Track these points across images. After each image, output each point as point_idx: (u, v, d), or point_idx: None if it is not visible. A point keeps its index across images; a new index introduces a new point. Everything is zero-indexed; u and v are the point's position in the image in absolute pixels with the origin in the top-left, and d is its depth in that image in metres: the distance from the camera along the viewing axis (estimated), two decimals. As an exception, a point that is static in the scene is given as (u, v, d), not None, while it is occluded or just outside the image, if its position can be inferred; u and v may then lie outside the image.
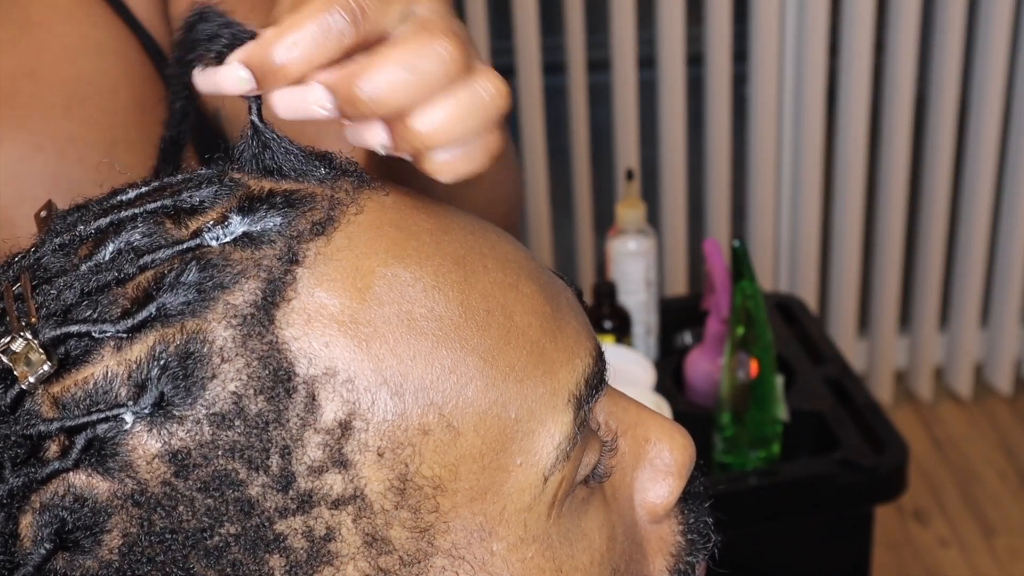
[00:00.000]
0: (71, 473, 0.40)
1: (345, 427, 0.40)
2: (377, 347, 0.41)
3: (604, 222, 1.90)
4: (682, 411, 1.35)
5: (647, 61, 2.24)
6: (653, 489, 0.49)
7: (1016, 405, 2.50)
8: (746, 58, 2.23)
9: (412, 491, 0.41)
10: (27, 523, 0.41)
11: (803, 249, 2.36)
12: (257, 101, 0.44)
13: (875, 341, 2.47)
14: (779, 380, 1.30)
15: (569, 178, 2.32)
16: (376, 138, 0.44)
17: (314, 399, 0.40)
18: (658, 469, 0.49)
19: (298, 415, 0.40)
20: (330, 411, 0.40)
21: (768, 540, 1.33)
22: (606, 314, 1.43)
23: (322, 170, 0.45)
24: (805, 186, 2.30)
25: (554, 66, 2.30)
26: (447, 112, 0.43)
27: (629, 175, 1.47)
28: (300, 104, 0.43)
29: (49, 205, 0.45)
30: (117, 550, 0.40)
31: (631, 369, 1.38)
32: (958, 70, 2.22)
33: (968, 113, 2.30)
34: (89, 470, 0.40)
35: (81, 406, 0.40)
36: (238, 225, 0.42)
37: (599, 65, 2.27)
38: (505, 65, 2.28)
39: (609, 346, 1.42)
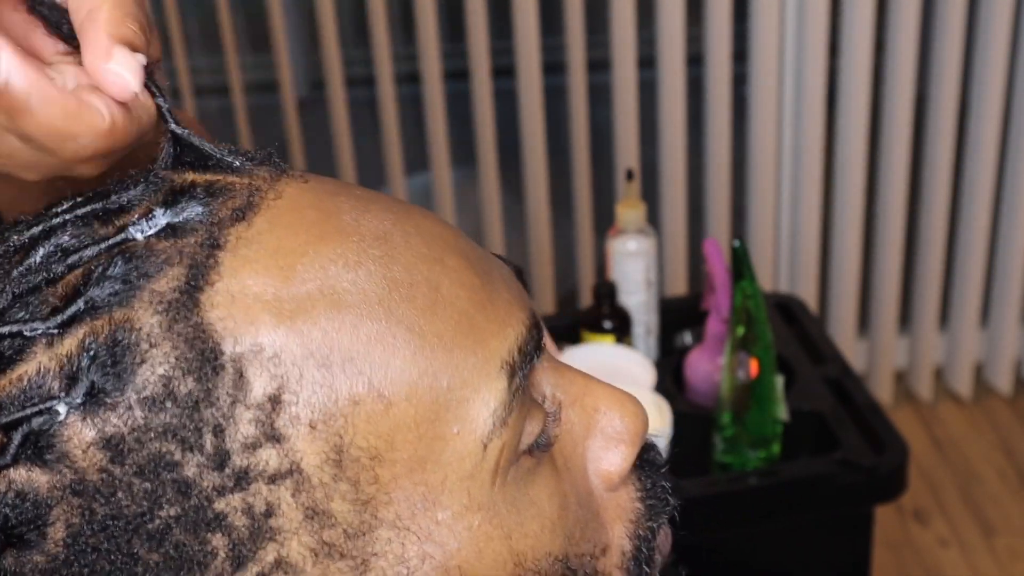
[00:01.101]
0: (10, 469, 0.41)
1: (275, 401, 0.41)
2: (301, 322, 0.42)
3: (604, 222, 1.90)
4: (682, 411, 1.35)
5: (647, 61, 2.24)
6: (606, 457, 0.50)
7: (1016, 405, 2.50)
8: (746, 58, 2.23)
9: (349, 463, 0.42)
10: None
11: (803, 249, 2.36)
12: (167, 106, 0.47)
13: (875, 341, 2.47)
14: (779, 380, 1.30)
15: (569, 178, 2.33)
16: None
17: (242, 375, 0.41)
18: (609, 437, 0.50)
19: (228, 392, 0.41)
20: (259, 386, 0.41)
21: (768, 540, 1.33)
22: (606, 314, 1.43)
23: (240, 161, 0.46)
24: (805, 186, 2.30)
25: (554, 66, 2.30)
26: None
27: (629, 175, 1.47)
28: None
29: None
30: (62, 542, 0.41)
31: (631, 369, 1.38)
32: (958, 70, 2.22)
33: (968, 113, 2.30)
34: (28, 464, 0.41)
35: (16, 403, 0.41)
36: (161, 217, 0.43)
37: (599, 65, 2.27)
38: (505, 65, 2.28)
39: (609, 346, 1.42)
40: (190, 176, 0.45)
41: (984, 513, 2.23)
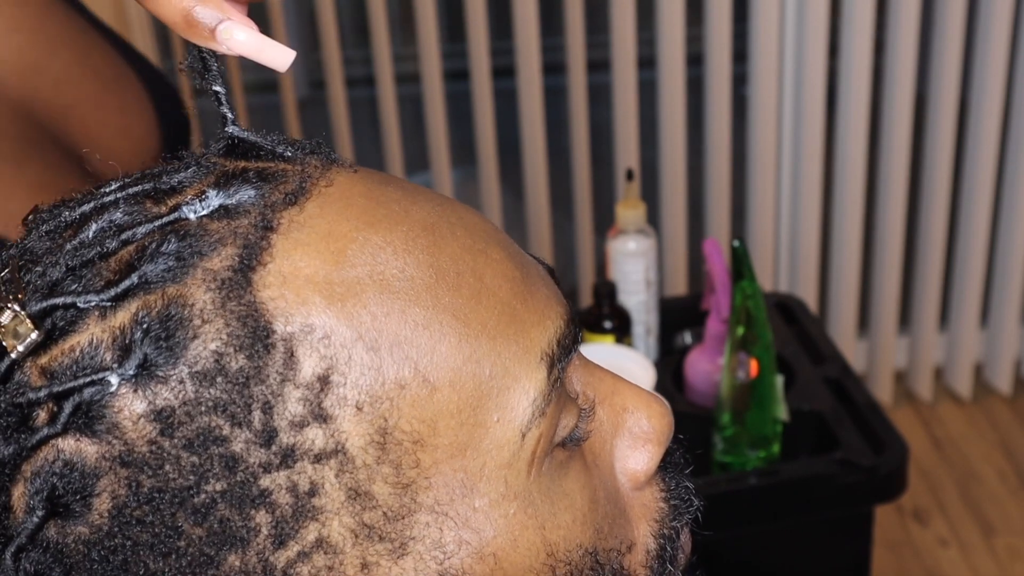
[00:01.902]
0: (60, 439, 0.41)
1: (324, 381, 0.42)
2: (351, 305, 0.42)
3: (604, 222, 1.90)
4: (682, 411, 1.35)
5: (647, 61, 2.24)
6: (633, 456, 0.51)
7: (1016, 405, 2.50)
8: (746, 58, 2.23)
9: (392, 446, 0.43)
10: (19, 493, 0.42)
11: (803, 249, 2.36)
12: (224, 96, 0.48)
13: (875, 341, 2.47)
14: (779, 380, 1.30)
15: (569, 178, 2.33)
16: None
17: (292, 355, 0.42)
18: (637, 437, 0.51)
19: (277, 371, 0.41)
20: (308, 366, 0.42)
21: (768, 540, 1.33)
22: (606, 314, 1.43)
23: (292, 150, 0.47)
24: (805, 186, 2.31)
25: (554, 66, 2.30)
26: None
27: (629, 175, 1.47)
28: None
29: (36, 210, 0.47)
30: (107, 513, 0.41)
31: (631, 369, 1.38)
32: (958, 70, 2.22)
33: (968, 113, 2.30)
34: (77, 434, 0.41)
35: (68, 373, 0.41)
36: (215, 199, 0.44)
37: (599, 65, 2.28)
38: (505, 65, 2.28)
39: (609, 346, 1.42)
40: (243, 163, 0.46)
41: (984, 513, 2.23)
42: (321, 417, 0.42)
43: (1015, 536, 2.18)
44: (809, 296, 2.38)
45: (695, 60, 2.28)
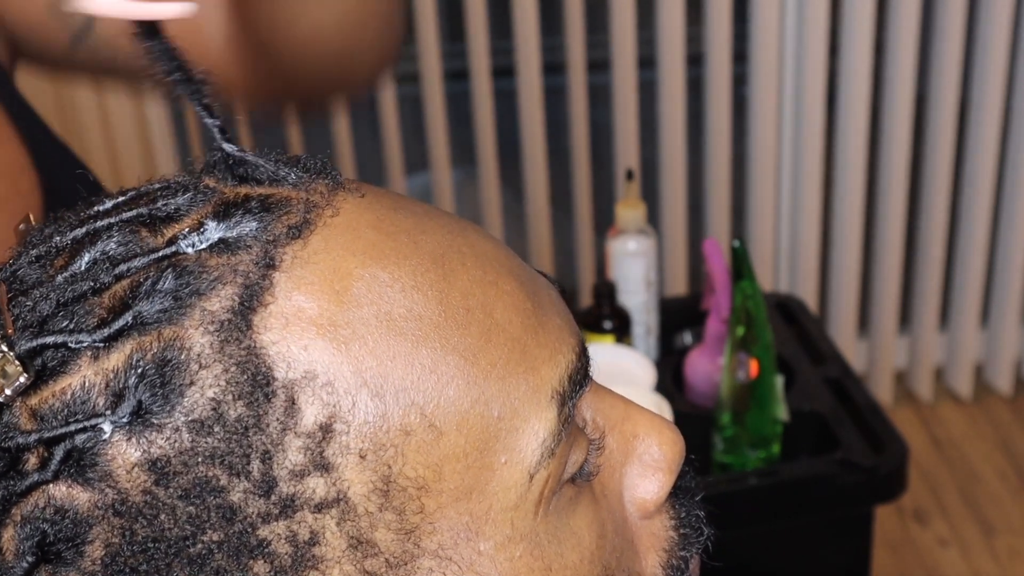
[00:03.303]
0: (51, 485, 0.40)
1: (326, 430, 0.40)
2: (356, 349, 0.41)
3: (604, 222, 1.90)
4: (682, 411, 1.35)
5: (647, 61, 2.24)
6: (643, 485, 0.49)
7: (1016, 405, 2.50)
8: (746, 58, 2.23)
9: (396, 492, 0.41)
10: (8, 536, 0.41)
11: (803, 249, 2.36)
12: (219, 123, 0.45)
13: (875, 341, 2.47)
14: (779, 380, 1.30)
15: (569, 178, 2.33)
16: None
17: (294, 403, 0.40)
18: (647, 465, 0.49)
19: (278, 419, 0.40)
20: (310, 415, 0.40)
21: (768, 540, 1.33)
22: (606, 314, 1.43)
23: (296, 174, 0.45)
24: (805, 186, 2.31)
25: (554, 66, 2.30)
26: None
27: (629, 175, 1.47)
28: None
29: (27, 218, 0.45)
30: (100, 561, 0.40)
31: (631, 369, 1.38)
32: (958, 70, 2.22)
33: (968, 113, 2.30)
34: (69, 481, 0.40)
35: (59, 417, 0.40)
36: (214, 231, 0.42)
37: (599, 65, 2.27)
38: (505, 65, 2.28)
39: (609, 346, 1.42)
40: (243, 189, 0.44)
41: (984, 513, 2.23)
42: (323, 466, 0.40)
43: (1015, 536, 2.18)
44: (809, 296, 2.38)
45: (695, 60, 2.28)
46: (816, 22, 2.16)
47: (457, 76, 2.44)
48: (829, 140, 2.32)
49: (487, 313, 0.43)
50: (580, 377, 0.45)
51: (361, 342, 0.41)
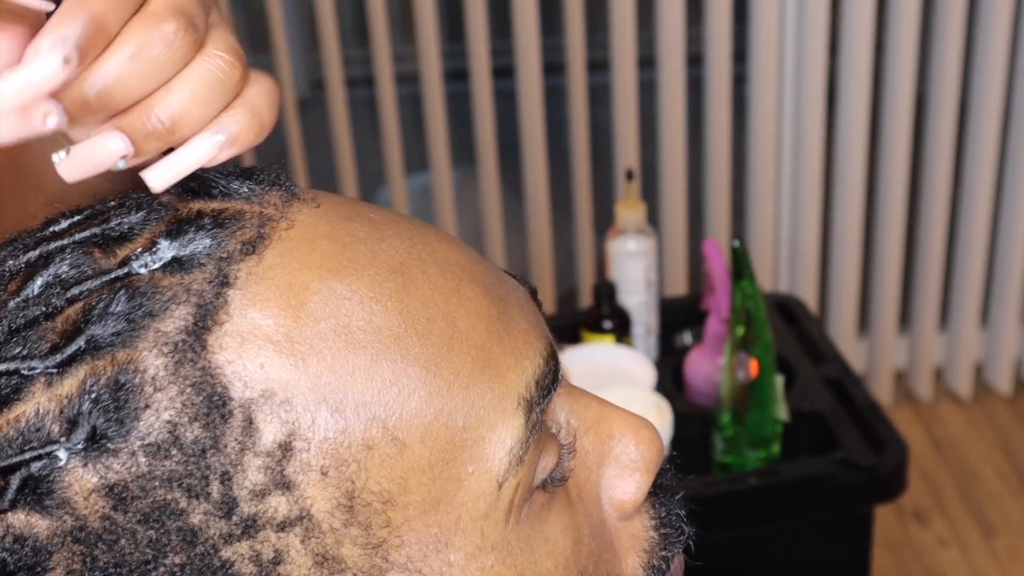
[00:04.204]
0: (8, 514, 0.40)
1: (285, 448, 0.40)
2: (314, 365, 0.40)
3: (604, 222, 1.90)
4: (682, 411, 1.35)
5: (647, 61, 2.24)
6: (620, 486, 0.48)
7: (1016, 405, 2.50)
8: (746, 58, 2.23)
9: (360, 508, 0.41)
10: None
11: (803, 249, 2.36)
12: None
13: (875, 341, 2.47)
14: (779, 380, 1.30)
15: (569, 178, 2.33)
16: (114, 147, 0.41)
17: (251, 422, 0.40)
18: (624, 465, 0.48)
19: (236, 439, 0.39)
20: (269, 433, 0.40)
21: (768, 540, 1.33)
22: (606, 314, 1.43)
23: (248, 187, 0.44)
24: (805, 186, 2.31)
25: (554, 66, 2.30)
26: (184, 95, 0.41)
27: (629, 175, 1.47)
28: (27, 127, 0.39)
29: None
30: None
31: (631, 369, 1.38)
32: (958, 70, 2.22)
33: (968, 113, 2.30)
34: (27, 509, 0.39)
35: (14, 445, 0.39)
36: (167, 250, 0.41)
37: (599, 65, 2.27)
38: (505, 65, 2.28)
39: (609, 346, 1.42)
40: (196, 204, 0.43)
41: (984, 513, 2.23)
42: (284, 485, 0.40)
43: (1015, 536, 2.18)
44: (809, 296, 2.38)
45: (695, 60, 2.28)
46: (816, 22, 2.16)
47: (457, 76, 2.44)
48: (829, 140, 2.32)
49: (449, 321, 0.43)
50: (548, 382, 0.45)
51: (319, 357, 0.40)
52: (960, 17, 2.17)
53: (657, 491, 0.50)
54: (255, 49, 3.21)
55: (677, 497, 0.51)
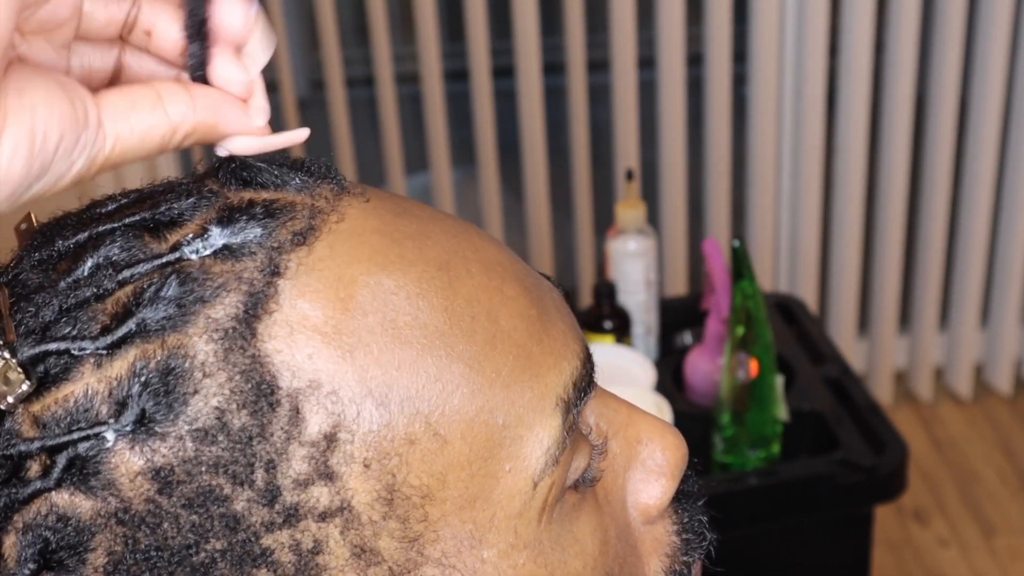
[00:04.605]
0: (53, 492, 0.40)
1: (330, 439, 0.40)
2: (361, 357, 0.41)
3: (604, 222, 1.90)
4: (682, 411, 1.35)
5: (647, 61, 2.24)
6: (646, 490, 0.49)
7: (1016, 405, 2.50)
8: (746, 58, 2.23)
9: (400, 501, 0.41)
10: (10, 543, 0.41)
11: (803, 249, 2.36)
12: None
13: (875, 341, 2.47)
14: (779, 380, 1.30)
15: (569, 178, 2.33)
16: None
17: (298, 412, 0.40)
18: (650, 470, 0.49)
19: (282, 428, 0.40)
20: (315, 424, 0.40)
21: (768, 540, 1.33)
22: (606, 314, 1.43)
23: (300, 178, 0.44)
24: (805, 186, 2.31)
25: (554, 66, 2.30)
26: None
27: (629, 175, 1.47)
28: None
29: (28, 218, 0.45)
30: (102, 569, 0.40)
31: (631, 369, 1.38)
32: (958, 70, 2.22)
33: (968, 113, 2.30)
34: (72, 489, 0.40)
35: (62, 425, 0.40)
36: (218, 237, 0.41)
37: (599, 65, 2.28)
38: (505, 65, 2.28)
39: (609, 346, 1.42)
40: (247, 194, 0.43)
41: (984, 513, 2.23)
42: (327, 475, 0.40)
43: (1015, 536, 2.18)
44: (809, 296, 2.38)
45: (695, 60, 2.28)
46: (816, 22, 2.16)
47: (457, 76, 2.44)
48: (829, 140, 2.32)
49: (492, 320, 0.43)
50: (585, 384, 0.45)
51: (366, 350, 0.41)
52: (960, 17, 2.17)
53: (680, 497, 0.51)
54: (255, 49, 3.19)
55: (699, 503, 0.52)
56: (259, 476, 0.40)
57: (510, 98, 2.28)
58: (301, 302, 0.41)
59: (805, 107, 2.23)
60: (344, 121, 2.23)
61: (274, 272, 0.41)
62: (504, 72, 2.28)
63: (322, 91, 2.27)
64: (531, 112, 2.23)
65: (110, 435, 0.39)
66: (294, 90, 2.25)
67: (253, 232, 0.42)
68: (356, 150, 2.30)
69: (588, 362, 0.46)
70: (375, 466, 0.41)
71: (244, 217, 0.42)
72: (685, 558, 0.50)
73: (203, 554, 0.40)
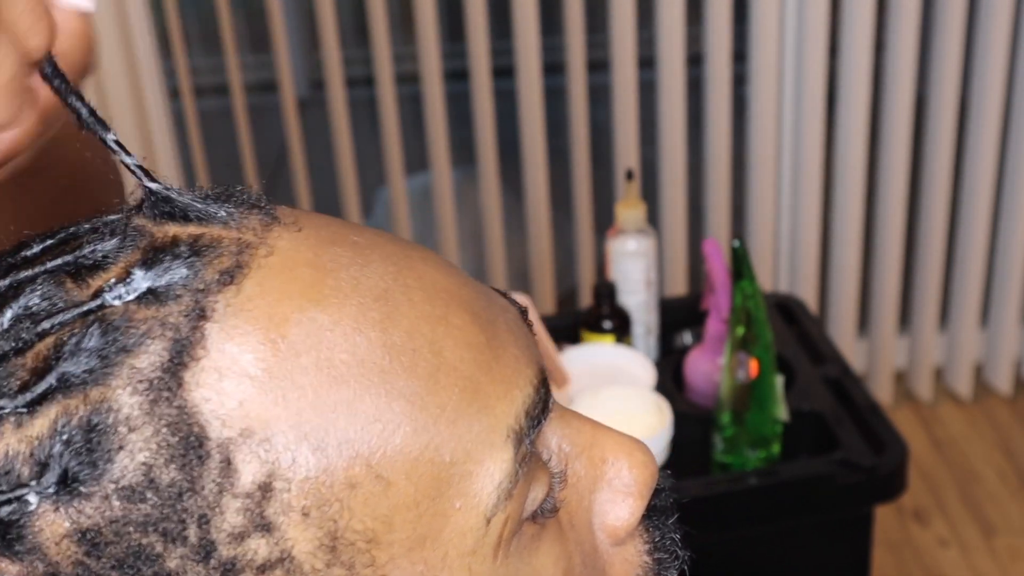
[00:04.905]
0: None
1: (265, 489, 0.39)
2: (295, 401, 0.39)
3: (604, 222, 1.90)
4: (682, 411, 1.35)
5: (647, 61, 2.24)
6: (613, 511, 0.47)
7: (1016, 405, 2.50)
8: (746, 58, 2.23)
9: (344, 547, 0.40)
10: None
11: (803, 249, 2.36)
12: (138, 165, 0.43)
13: (875, 341, 2.47)
14: (779, 380, 1.30)
15: (569, 178, 2.33)
16: None
17: (230, 463, 0.38)
18: (617, 490, 0.47)
19: (214, 481, 0.38)
20: (248, 474, 0.38)
21: (768, 540, 1.33)
22: (606, 314, 1.43)
23: (226, 210, 0.43)
24: (805, 186, 2.31)
25: (554, 66, 2.30)
26: None
27: (629, 175, 1.47)
28: None
29: None
30: None
31: (631, 369, 1.38)
32: (958, 70, 2.22)
33: (968, 113, 2.30)
34: None
35: None
36: (141, 280, 0.40)
37: (599, 65, 2.28)
38: (505, 65, 2.28)
39: (609, 346, 1.42)
40: (171, 230, 0.42)
41: (984, 513, 2.23)
42: (264, 527, 0.39)
43: (1015, 536, 2.18)
44: (809, 296, 2.38)
45: (695, 60, 2.28)
46: (816, 22, 2.16)
47: (457, 76, 2.44)
48: (829, 140, 2.32)
49: (435, 352, 0.41)
50: (538, 412, 0.43)
51: (300, 393, 0.39)
52: (960, 17, 2.17)
53: (651, 514, 0.49)
54: (255, 49, 3.21)
55: (671, 520, 0.50)
56: (192, 532, 0.38)
57: (510, 98, 2.27)
58: (229, 346, 0.39)
59: (805, 107, 2.23)
60: (344, 121, 2.23)
61: (200, 315, 0.39)
62: (504, 72, 2.28)
63: (322, 91, 2.27)
64: (531, 112, 2.23)
65: (32, 497, 0.38)
66: (294, 90, 2.24)
67: (178, 273, 0.40)
68: (356, 150, 2.29)
69: (542, 387, 0.44)
70: (315, 513, 0.39)
71: (168, 257, 0.40)
72: None
73: None
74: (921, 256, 2.41)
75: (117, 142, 0.44)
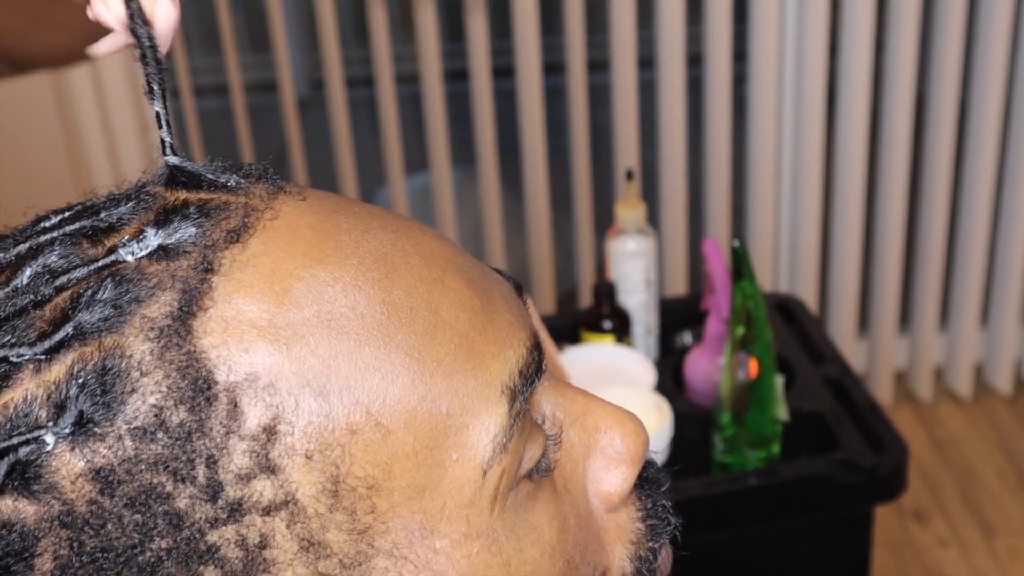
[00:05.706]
0: None
1: (270, 432, 0.40)
2: (298, 349, 0.41)
3: (604, 222, 1.90)
4: (682, 411, 1.35)
5: (647, 61, 2.24)
6: (606, 478, 0.49)
7: (1016, 405, 2.50)
8: (746, 58, 2.23)
9: (345, 492, 0.41)
10: None
11: (803, 249, 2.36)
12: (165, 119, 0.47)
13: (875, 341, 2.47)
14: (779, 380, 1.30)
15: (569, 178, 2.33)
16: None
17: (236, 406, 0.40)
18: (610, 457, 0.49)
19: (221, 423, 0.40)
20: (253, 417, 0.40)
21: (768, 540, 1.33)
22: (606, 314, 1.43)
23: (235, 179, 0.45)
24: (805, 186, 2.31)
25: (554, 66, 2.30)
26: None
27: (629, 175, 1.47)
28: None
29: None
30: (49, 573, 0.40)
31: (631, 369, 1.38)
32: (958, 70, 2.22)
33: (968, 113, 2.30)
34: (15, 495, 0.40)
35: (1, 432, 0.40)
36: (153, 238, 0.42)
37: (599, 65, 2.28)
38: (505, 65, 2.28)
39: (609, 346, 1.42)
40: (183, 195, 0.45)
41: (984, 513, 2.23)
42: (269, 468, 0.40)
43: (1015, 536, 2.18)
44: (809, 296, 2.38)
45: (695, 60, 2.28)
46: (816, 22, 2.16)
47: (457, 76, 2.44)
48: (829, 140, 2.32)
49: (432, 310, 0.43)
50: (532, 371, 0.45)
51: (302, 342, 0.41)
52: (960, 17, 2.17)
53: (643, 483, 0.51)
54: (255, 49, 3.21)
55: (663, 489, 0.52)
56: (200, 472, 0.40)
57: (510, 98, 2.27)
58: (235, 297, 0.41)
59: (805, 107, 2.23)
60: (344, 121, 2.23)
61: (208, 269, 0.42)
62: (504, 72, 2.28)
63: (322, 91, 2.27)
64: (531, 112, 2.23)
65: (50, 438, 0.40)
66: (294, 90, 2.24)
67: (188, 232, 0.43)
68: (356, 150, 2.30)
69: (536, 350, 0.46)
70: (317, 457, 0.41)
71: (178, 217, 0.43)
72: (651, 544, 0.50)
73: (149, 553, 0.40)
74: (921, 256, 2.41)
75: (157, 114, 0.47)
